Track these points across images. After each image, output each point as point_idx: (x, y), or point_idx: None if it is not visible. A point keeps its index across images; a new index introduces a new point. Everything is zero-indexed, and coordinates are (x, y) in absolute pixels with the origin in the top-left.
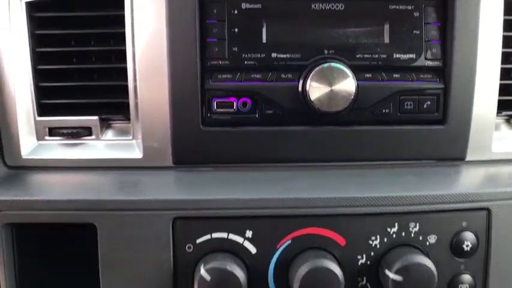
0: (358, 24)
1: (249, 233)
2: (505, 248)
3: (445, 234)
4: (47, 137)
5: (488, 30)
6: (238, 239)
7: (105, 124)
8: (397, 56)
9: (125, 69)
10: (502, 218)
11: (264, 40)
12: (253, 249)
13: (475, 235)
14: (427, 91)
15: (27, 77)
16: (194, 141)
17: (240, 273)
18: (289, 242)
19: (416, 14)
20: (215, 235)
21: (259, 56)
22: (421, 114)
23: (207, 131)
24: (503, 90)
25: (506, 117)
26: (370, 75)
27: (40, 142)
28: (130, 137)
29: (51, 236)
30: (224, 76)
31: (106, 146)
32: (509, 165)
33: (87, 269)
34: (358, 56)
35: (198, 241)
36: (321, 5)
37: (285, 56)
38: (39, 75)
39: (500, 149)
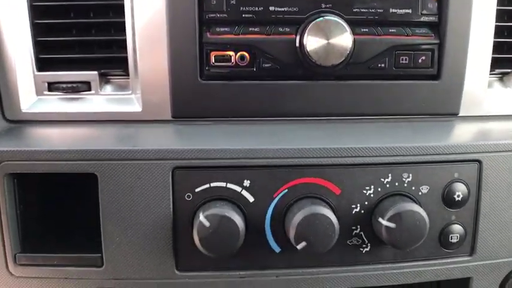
0: None
1: (246, 183)
2: (494, 199)
3: (437, 184)
4: (46, 92)
5: None
6: (237, 188)
7: (103, 79)
8: (393, 10)
9: (123, 24)
10: (493, 169)
11: None
12: (251, 198)
13: (466, 186)
14: (422, 46)
15: (26, 31)
16: (192, 95)
17: (238, 220)
18: (286, 191)
19: None
20: (214, 184)
21: (257, 9)
22: (416, 69)
23: (205, 84)
24: (497, 48)
25: (499, 75)
26: (367, 30)
27: (39, 97)
28: (130, 92)
29: (52, 189)
30: (222, 29)
31: (105, 100)
32: (501, 121)
33: (88, 219)
34: (354, 10)
35: (197, 190)
36: None
37: (282, 9)
38: (38, 30)
39: (493, 106)
